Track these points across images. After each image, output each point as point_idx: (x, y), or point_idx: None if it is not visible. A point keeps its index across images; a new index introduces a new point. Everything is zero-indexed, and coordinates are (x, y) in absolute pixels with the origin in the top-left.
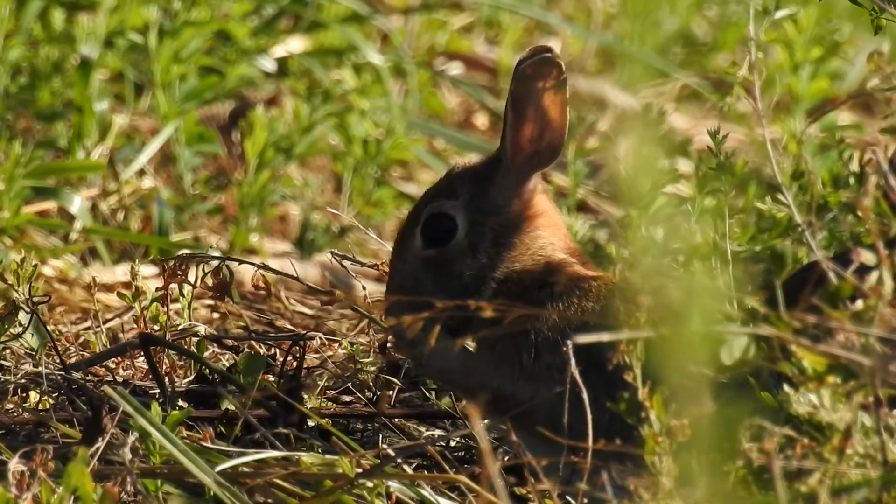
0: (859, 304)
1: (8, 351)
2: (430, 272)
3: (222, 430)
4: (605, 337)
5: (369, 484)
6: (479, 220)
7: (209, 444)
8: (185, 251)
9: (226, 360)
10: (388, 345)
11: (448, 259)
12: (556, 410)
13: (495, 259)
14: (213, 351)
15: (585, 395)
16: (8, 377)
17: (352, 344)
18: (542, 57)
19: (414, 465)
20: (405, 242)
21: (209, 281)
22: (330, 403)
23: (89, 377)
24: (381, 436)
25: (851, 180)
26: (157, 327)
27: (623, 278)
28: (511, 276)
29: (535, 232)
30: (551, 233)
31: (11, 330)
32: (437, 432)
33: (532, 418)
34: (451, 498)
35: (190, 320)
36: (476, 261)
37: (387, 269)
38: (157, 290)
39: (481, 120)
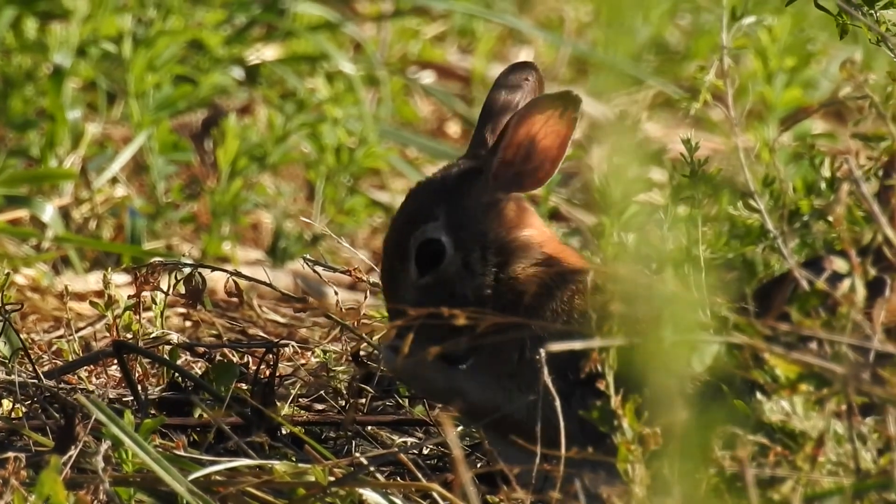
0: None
1: None
2: (430, 301)
3: (195, 438)
4: (577, 345)
5: (342, 492)
6: (463, 237)
7: (182, 453)
8: (157, 259)
9: (198, 368)
10: (362, 354)
11: (445, 281)
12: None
13: (488, 272)
14: (186, 359)
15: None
16: None
17: (325, 352)
18: (565, 93)
19: (387, 474)
20: (396, 279)
21: (181, 289)
22: (303, 412)
23: (62, 385)
24: (353, 444)
25: (823, 186)
26: (129, 335)
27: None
28: (509, 284)
29: (522, 237)
30: (538, 234)
31: None
32: (410, 440)
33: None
34: None
35: (162, 328)
36: (472, 278)
37: (359, 275)
38: (129, 298)
39: (454, 128)
